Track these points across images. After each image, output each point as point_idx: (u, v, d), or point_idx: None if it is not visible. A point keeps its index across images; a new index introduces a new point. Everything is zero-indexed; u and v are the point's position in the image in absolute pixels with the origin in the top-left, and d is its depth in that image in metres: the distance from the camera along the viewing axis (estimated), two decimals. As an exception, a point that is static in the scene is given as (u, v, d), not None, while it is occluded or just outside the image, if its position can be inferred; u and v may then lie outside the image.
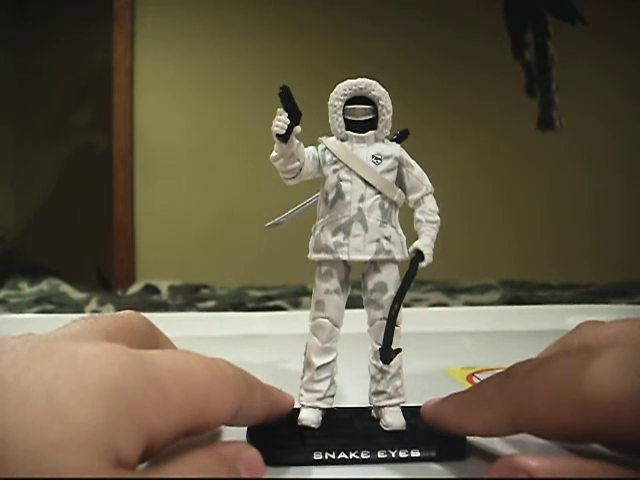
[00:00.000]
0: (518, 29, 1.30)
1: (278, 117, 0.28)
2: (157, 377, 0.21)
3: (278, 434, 0.29)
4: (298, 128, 0.28)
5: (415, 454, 0.28)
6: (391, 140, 0.31)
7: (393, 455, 0.28)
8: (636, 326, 0.27)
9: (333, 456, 0.28)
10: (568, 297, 1.11)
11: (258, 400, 0.27)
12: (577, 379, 0.22)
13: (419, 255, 0.29)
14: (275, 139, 0.28)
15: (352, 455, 0.28)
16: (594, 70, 1.87)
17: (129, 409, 0.20)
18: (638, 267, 1.72)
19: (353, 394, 0.35)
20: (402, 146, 0.31)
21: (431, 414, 0.29)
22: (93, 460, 0.18)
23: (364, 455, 0.28)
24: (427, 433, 0.29)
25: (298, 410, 0.30)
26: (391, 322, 0.29)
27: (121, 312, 0.29)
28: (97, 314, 0.27)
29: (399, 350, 0.29)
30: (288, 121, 0.28)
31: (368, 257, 0.30)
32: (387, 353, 0.29)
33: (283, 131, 0.28)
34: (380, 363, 0.30)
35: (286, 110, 0.28)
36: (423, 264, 0.29)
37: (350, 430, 0.30)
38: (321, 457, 0.28)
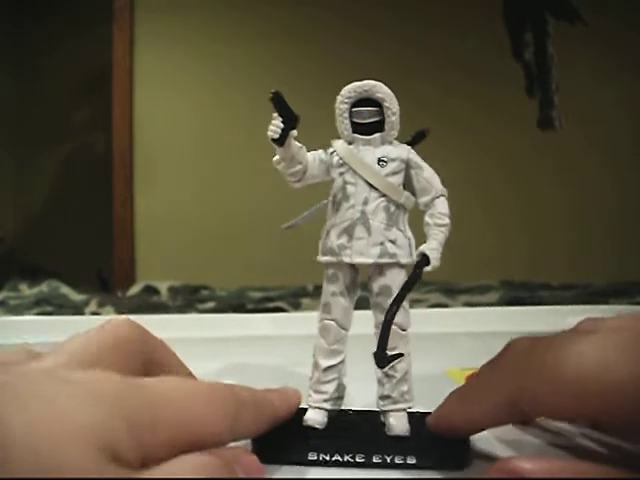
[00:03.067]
0: (518, 29, 1.30)
1: (272, 122, 0.28)
2: (149, 403, 0.21)
3: (279, 432, 0.29)
4: (294, 132, 0.28)
5: (411, 461, 0.28)
6: (407, 142, 0.31)
7: (388, 460, 0.28)
8: (638, 319, 0.27)
9: (327, 458, 0.28)
10: (568, 297, 1.10)
11: (252, 414, 0.26)
12: (577, 363, 0.22)
13: (424, 259, 0.29)
14: (271, 143, 0.29)
15: (346, 458, 0.28)
16: (594, 70, 1.87)
17: (126, 421, 0.20)
18: (638, 267, 1.72)
19: (369, 396, 0.35)
20: (416, 147, 0.31)
21: (436, 421, 0.28)
22: (94, 458, 0.18)
23: (358, 459, 0.28)
24: (429, 440, 0.28)
25: (306, 410, 0.30)
26: (387, 325, 0.28)
27: (114, 322, 0.27)
28: (88, 331, 0.26)
29: (399, 355, 0.29)
30: (282, 125, 0.28)
31: (371, 260, 0.29)
32: (381, 357, 0.28)
33: (277, 135, 0.28)
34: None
35: (280, 115, 0.28)
36: (428, 268, 0.29)
37: (352, 433, 0.30)
38: (315, 458, 0.28)
